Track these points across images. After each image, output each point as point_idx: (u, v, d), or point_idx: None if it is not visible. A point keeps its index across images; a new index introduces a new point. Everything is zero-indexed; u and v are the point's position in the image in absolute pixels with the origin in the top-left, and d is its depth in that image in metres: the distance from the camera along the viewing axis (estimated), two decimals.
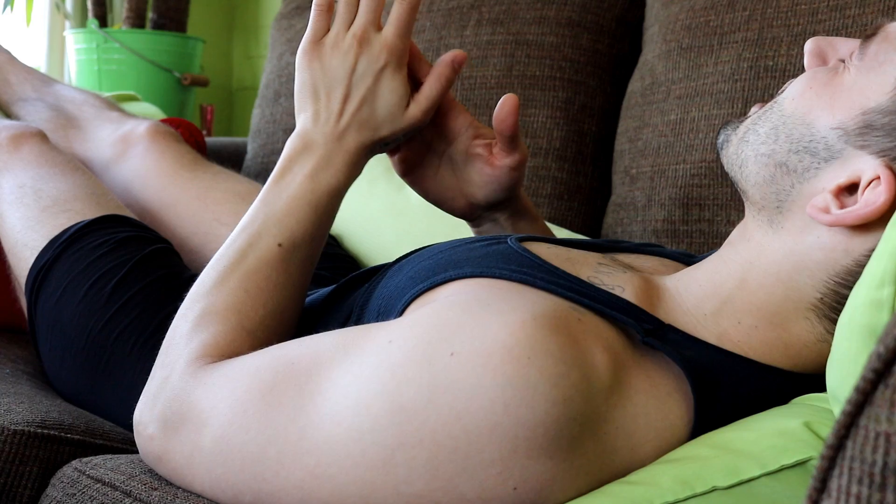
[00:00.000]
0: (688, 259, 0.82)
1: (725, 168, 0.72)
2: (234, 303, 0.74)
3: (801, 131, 0.65)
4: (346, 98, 0.79)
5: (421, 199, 1.36)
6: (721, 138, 0.73)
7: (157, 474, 0.71)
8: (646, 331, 0.63)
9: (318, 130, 0.79)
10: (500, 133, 0.84)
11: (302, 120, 0.81)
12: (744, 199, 0.71)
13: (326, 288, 0.90)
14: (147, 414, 0.69)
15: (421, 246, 0.83)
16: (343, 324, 0.80)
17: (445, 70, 0.82)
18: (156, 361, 0.73)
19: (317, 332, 0.82)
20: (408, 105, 0.81)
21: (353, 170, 0.80)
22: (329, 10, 0.81)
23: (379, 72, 0.79)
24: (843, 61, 0.67)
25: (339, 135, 0.79)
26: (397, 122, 0.80)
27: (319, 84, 0.80)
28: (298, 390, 0.62)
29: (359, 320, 0.77)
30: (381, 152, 0.83)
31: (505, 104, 0.83)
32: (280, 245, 0.76)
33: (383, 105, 0.79)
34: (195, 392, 0.67)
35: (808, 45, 0.70)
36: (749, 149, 0.68)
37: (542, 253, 0.72)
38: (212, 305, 0.74)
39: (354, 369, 0.60)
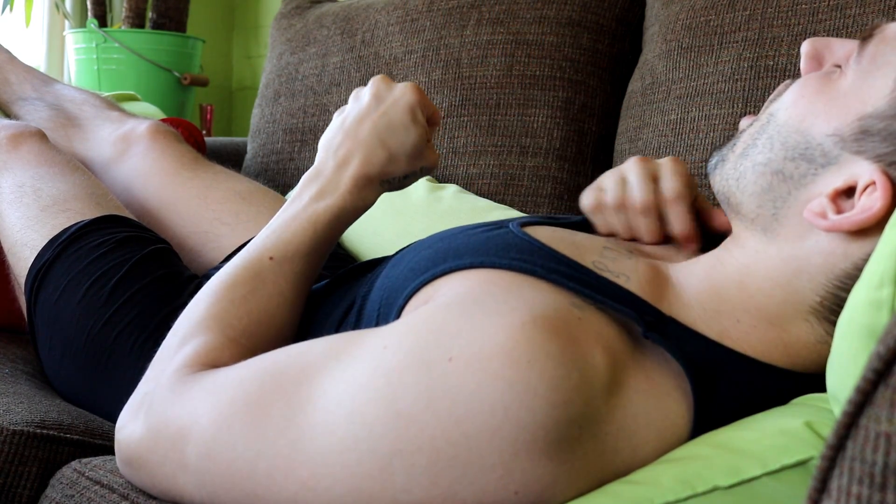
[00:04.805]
0: None
1: (716, 187, 0.72)
2: (218, 312, 0.73)
3: (795, 139, 0.65)
4: (356, 133, 0.81)
5: (420, 198, 1.37)
6: (715, 159, 0.73)
7: None
8: (647, 324, 0.62)
9: (329, 160, 0.81)
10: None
11: (320, 156, 0.84)
12: (731, 216, 0.70)
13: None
14: (128, 426, 0.68)
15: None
16: (345, 313, 0.80)
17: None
18: (145, 374, 0.72)
19: (316, 319, 0.82)
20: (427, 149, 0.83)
21: (359, 195, 0.81)
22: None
23: (392, 113, 0.81)
24: (839, 66, 0.67)
25: (343, 162, 0.80)
26: (415, 162, 0.82)
27: (339, 129, 0.83)
28: (287, 401, 0.61)
29: (361, 310, 0.77)
30: (400, 187, 0.84)
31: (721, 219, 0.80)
32: (271, 258, 0.77)
33: (397, 144, 0.81)
34: (174, 407, 0.65)
35: (805, 47, 0.69)
36: (748, 161, 0.68)
37: (545, 237, 0.71)
38: (198, 317, 0.74)
39: (347, 377, 0.59)
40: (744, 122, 0.73)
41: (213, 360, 0.70)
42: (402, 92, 0.82)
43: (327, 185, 0.80)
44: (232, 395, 0.63)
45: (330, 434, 0.58)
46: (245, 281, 0.76)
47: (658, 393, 0.61)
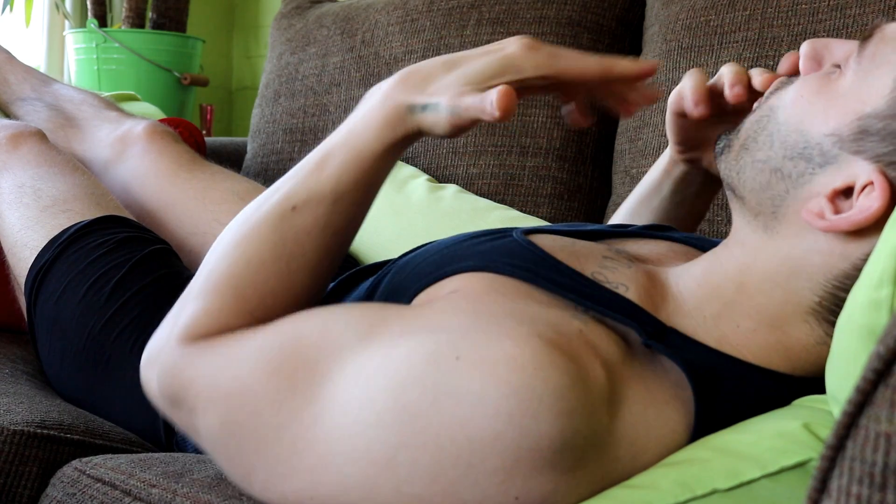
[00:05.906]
0: (699, 243, 0.81)
1: (722, 174, 0.72)
2: (234, 274, 0.68)
3: (794, 139, 0.65)
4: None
5: (420, 198, 1.37)
6: (721, 143, 0.73)
7: (157, 472, 0.71)
8: (648, 333, 0.63)
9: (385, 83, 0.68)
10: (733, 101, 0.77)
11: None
12: (735, 207, 0.70)
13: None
14: (149, 370, 0.70)
15: (421, 244, 0.83)
16: None
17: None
18: (174, 305, 0.71)
19: None
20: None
21: (394, 127, 0.67)
22: None
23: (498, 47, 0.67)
24: (839, 66, 0.67)
25: (396, 87, 0.67)
26: (442, 93, 0.65)
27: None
28: (310, 373, 0.61)
29: None
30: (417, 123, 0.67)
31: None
32: (294, 208, 0.67)
33: (466, 61, 0.66)
34: (189, 371, 0.66)
35: (804, 48, 0.69)
36: (748, 155, 0.68)
37: (547, 246, 0.72)
38: (215, 272, 0.69)
39: (363, 359, 0.60)
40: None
41: (225, 327, 0.68)
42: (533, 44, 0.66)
43: (366, 112, 0.68)
44: (254, 364, 0.63)
45: (345, 414, 0.59)
46: (264, 239, 0.68)
47: (657, 402, 0.61)
